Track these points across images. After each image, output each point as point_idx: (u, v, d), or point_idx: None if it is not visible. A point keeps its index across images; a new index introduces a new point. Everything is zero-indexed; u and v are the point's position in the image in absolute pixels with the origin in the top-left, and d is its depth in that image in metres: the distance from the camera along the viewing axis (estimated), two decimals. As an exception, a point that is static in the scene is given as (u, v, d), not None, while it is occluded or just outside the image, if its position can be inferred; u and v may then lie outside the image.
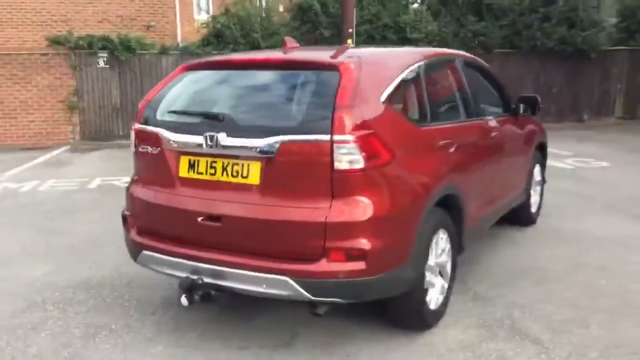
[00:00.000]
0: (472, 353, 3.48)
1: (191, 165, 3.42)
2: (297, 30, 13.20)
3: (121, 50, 12.28)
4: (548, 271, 4.73)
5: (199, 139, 3.31)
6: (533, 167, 5.82)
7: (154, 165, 3.59)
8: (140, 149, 3.64)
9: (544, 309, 4.04)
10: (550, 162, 9.41)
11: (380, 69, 3.53)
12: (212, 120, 3.37)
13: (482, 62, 5.10)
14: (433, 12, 14.00)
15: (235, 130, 3.26)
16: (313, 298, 3.14)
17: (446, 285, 3.91)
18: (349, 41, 12.54)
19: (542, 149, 6.12)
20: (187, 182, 3.44)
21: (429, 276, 3.68)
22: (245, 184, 3.26)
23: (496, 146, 4.73)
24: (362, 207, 3.11)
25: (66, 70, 12.40)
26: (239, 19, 12.82)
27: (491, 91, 5.18)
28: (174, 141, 3.44)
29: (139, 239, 3.65)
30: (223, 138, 3.24)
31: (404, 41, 13.53)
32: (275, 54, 3.91)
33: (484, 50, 14.00)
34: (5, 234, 5.97)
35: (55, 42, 12.34)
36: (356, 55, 3.45)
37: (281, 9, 14.54)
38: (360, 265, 3.10)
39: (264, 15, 13.22)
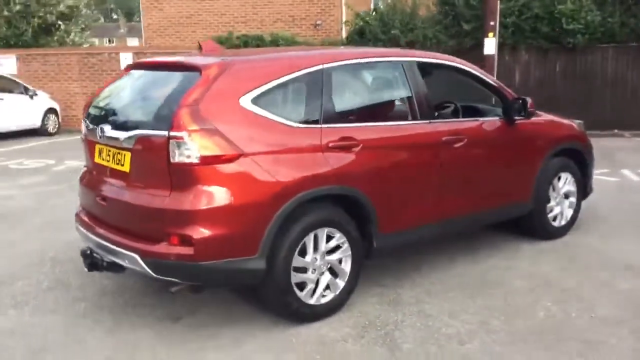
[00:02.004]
0: (321, 348, 3.55)
1: (99, 152, 4.01)
2: (439, 24, 13.02)
3: (271, 48, 13.38)
4: (502, 287, 4.40)
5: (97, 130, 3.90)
6: (552, 176, 5.28)
7: (87, 152, 4.27)
8: (81, 137, 4.35)
9: (442, 320, 3.86)
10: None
11: (250, 72, 3.72)
12: (107, 115, 3.92)
13: (462, 63, 4.80)
14: (597, 1, 12.67)
15: (116, 123, 3.79)
16: (155, 275, 3.53)
17: (341, 284, 3.96)
18: (490, 34, 12.06)
19: (576, 156, 5.49)
20: (97, 167, 4.06)
21: (309, 272, 3.80)
22: (121, 171, 3.76)
23: (452, 150, 4.46)
24: (196, 198, 3.41)
25: (226, 67, 13.91)
26: (381, 16, 13.08)
27: (476, 93, 4.90)
28: (88, 131, 4.08)
29: (77, 214, 4.37)
30: (108, 130, 3.78)
31: (560, 33, 12.54)
32: (167, 58, 4.33)
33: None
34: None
35: (217, 41, 13.90)
36: (230, 58, 3.71)
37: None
38: (189, 250, 3.40)
39: (408, 11, 13.27)
